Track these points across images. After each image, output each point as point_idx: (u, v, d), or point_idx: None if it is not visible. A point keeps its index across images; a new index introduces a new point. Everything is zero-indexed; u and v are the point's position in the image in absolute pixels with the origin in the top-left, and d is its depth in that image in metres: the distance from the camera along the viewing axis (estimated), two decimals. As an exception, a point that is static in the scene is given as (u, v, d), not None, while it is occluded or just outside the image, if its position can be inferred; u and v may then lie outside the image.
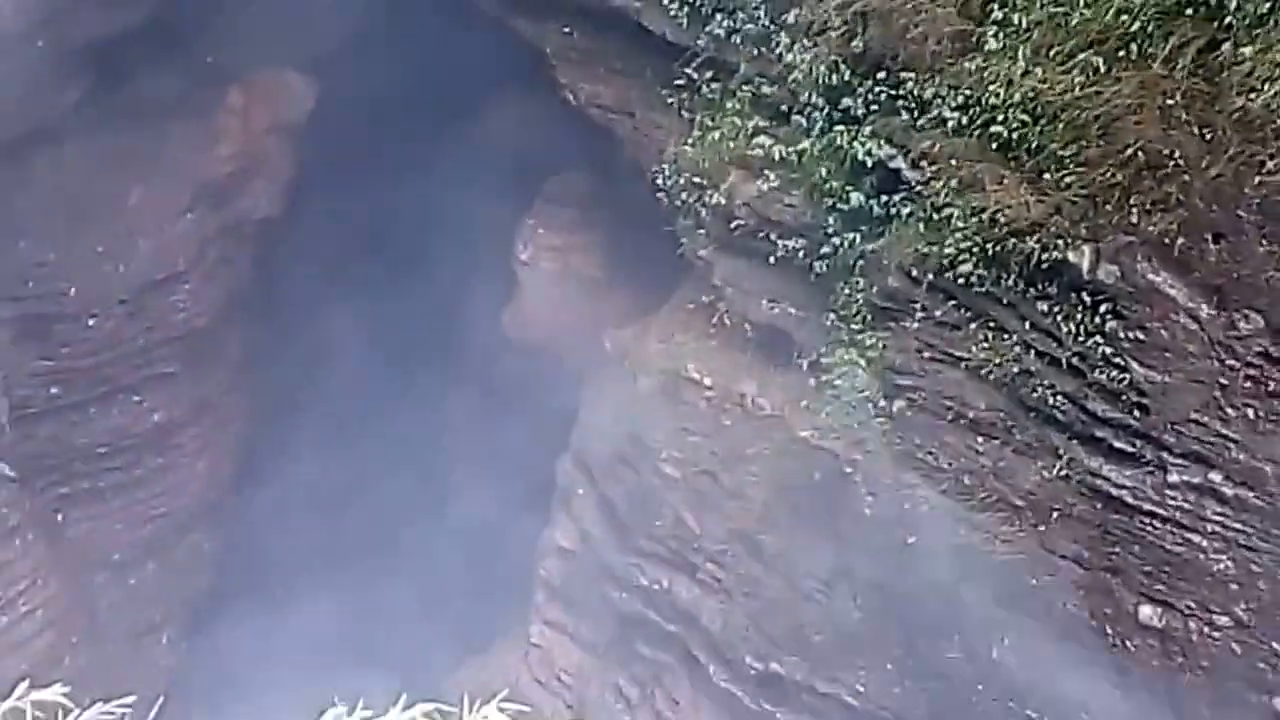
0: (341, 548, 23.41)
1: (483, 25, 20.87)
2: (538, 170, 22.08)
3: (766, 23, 17.86)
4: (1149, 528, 16.54)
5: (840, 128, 17.32)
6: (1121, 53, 15.61)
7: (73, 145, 20.72)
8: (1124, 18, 15.49)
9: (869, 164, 17.16)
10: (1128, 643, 16.89)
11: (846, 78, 17.30)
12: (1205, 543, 16.15)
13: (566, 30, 20.14)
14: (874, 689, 18.50)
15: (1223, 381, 15.72)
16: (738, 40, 18.11)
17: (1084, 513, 16.81)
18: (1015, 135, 16.24)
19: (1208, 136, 15.24)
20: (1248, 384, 15.60)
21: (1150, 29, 15.35)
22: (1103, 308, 16.10)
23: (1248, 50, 14.85)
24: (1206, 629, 16.35)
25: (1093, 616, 17.19)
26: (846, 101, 17.34)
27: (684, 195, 18.96)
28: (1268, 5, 14.74)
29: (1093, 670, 17.31)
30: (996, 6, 16.29)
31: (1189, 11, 15.19)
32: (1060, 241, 16.09)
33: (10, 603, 20.77)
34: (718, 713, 19.59)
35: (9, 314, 21.34)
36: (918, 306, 17.19)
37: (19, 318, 21.32)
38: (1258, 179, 14.99)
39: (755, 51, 18.07)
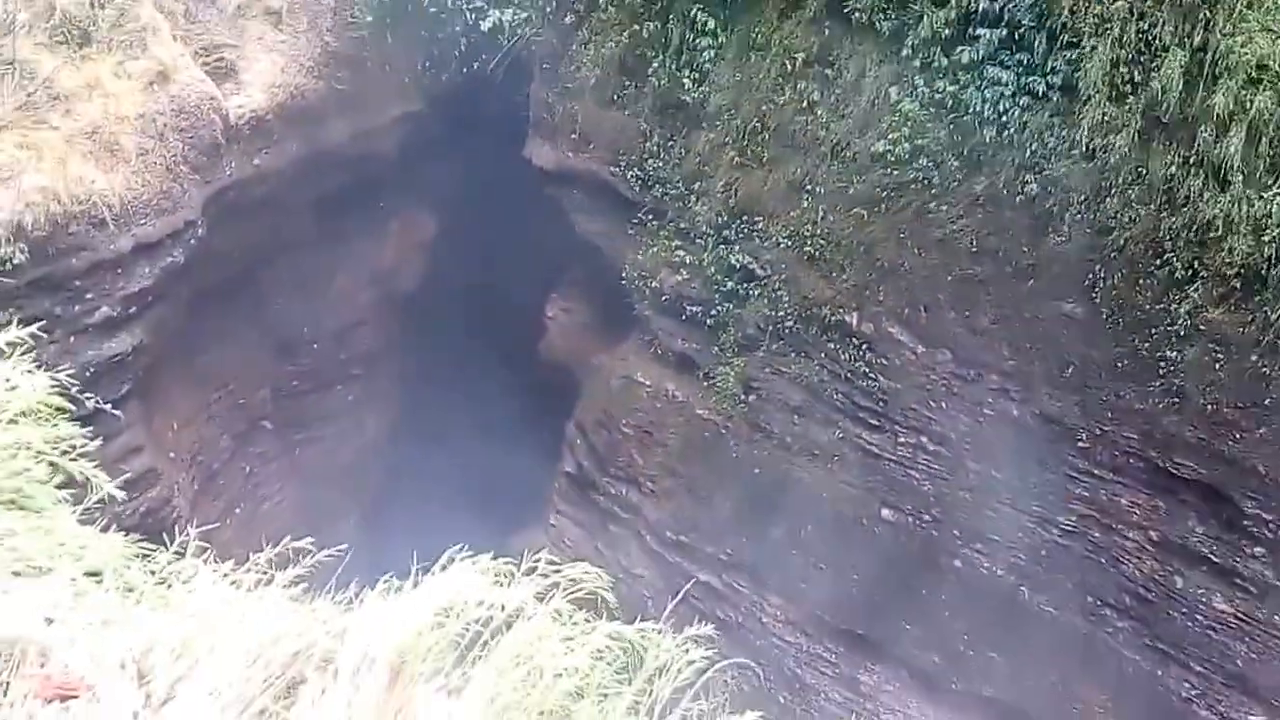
0: (443, 475, 23.39)
1: (531, 185, 21.21)
2: (559, 267, 22.71)
3: (683, 190, 18.54)
4: (887, 467, 17.52)
5: (722, 246, 18.25)
6: (877, 208, 16.48)
7: (307, 250, 21.57)
8: (876, 190, 16.36)
9: (737, 266, 18.17)
10: (875, 529, 17.72)
11: (726, 220, 18.13)
12: (917, 474, 17.27)
13: (575, 192, 20.42)
14: (735, 549, 19.18)
15: (928, 388, 16.83)
16: (667, 199, 18.85)
17: (853, 459, 17.82)
18: (817, 252, 17.26)
19: (919, 252, 16.31)
20: (941, 389, 16.70)
21: (890, 195, 16.31)
22: (863, 346, 17.27)
23: (942, 206, 15.88)
24: (912, 520, 17.38)
25: (854, 518, 17.94)
26: (726, 233, 18.19)
27: (638, 282, 19.60)
28: (959, 178, 15.58)
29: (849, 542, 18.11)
30: (809, 181, 17.05)
31: (911, 185, 16.04)
32: (841, 310, 17.21)
33: (267, 497, 21.40)
34: (651, 565, 20.05)
35: (271, 341, 21.75)
36: (763, 344, 18.21)
37: (276, 343, 21.83)
38: (949, 277, 16.08)
39: (677, 205, 18.79)
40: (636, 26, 18.37)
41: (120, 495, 7.72)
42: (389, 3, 20.74)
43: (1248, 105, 12.72)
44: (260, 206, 19.42)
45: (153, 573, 5.79)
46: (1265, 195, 12.80)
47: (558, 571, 5.81)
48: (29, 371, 8.37)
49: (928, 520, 17.44)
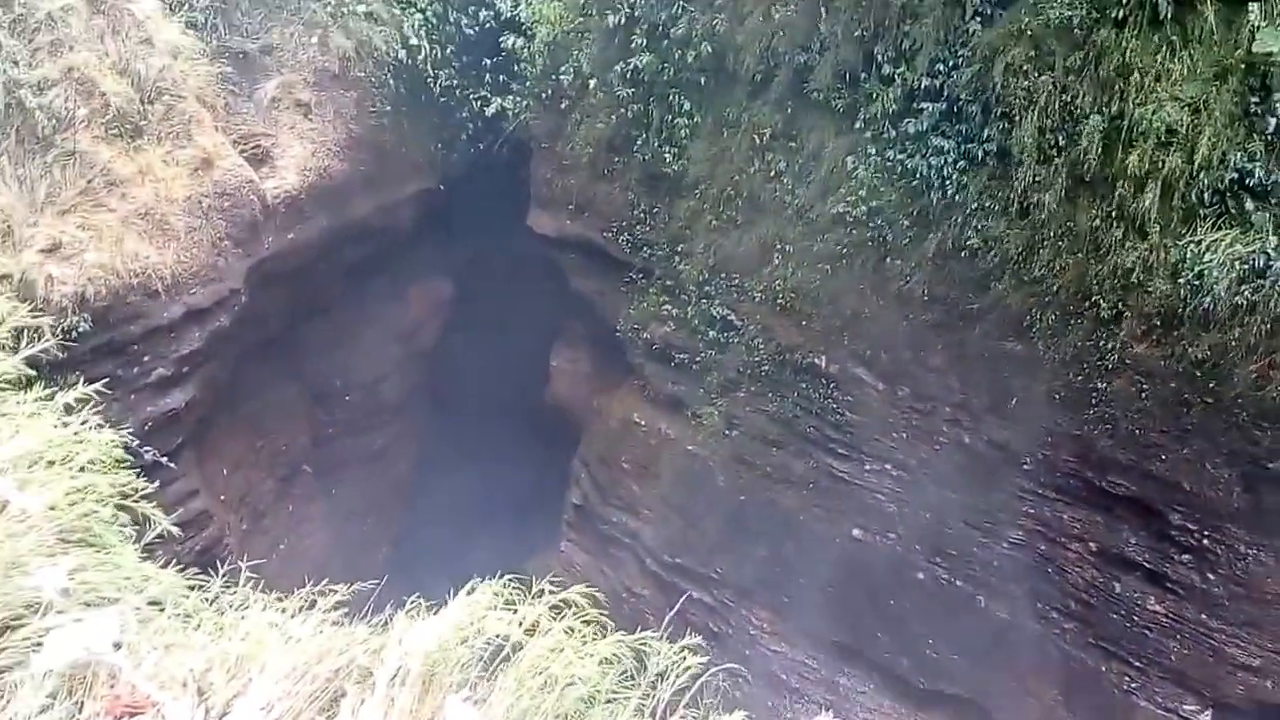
0: (464, 507, 23.66)
1: (534, 250, 21.42)
2: (561, 321, 22.74)
3: (668, 251, 18.64)
4: (856, 492, 17.48)
5: (704, 301, 18.30)
6: (839, 264, 16.51)
7: (338, 312, 21.47)
8: (838, 247, 16.35)
9: (718, 317, 18.17)
10: (847, 548, 17.64)
11: (707, 277, 18.16)
12: (883, 497, 17.23)
13: (573, 255, 20.66)
14: (724, 568, 19.28)
15: (890, 420, 16.82)
16: (654, 260, 18.97)
17: (826, 485, 17.77)
18: (788, 303, 17.26)
19: (880, 303, 16.30)
20: (901, 422, 16.70)
21: (851, 252, 16.33)
22: (831, 385, 17.26)
23: (897, 261, 15.89)
24: (879, 538, 17.37)
25: (828, 537, 17.88)
26: (707, 288, 18.23)
27: (630, 333, 19.74)
28: (911, 236, 15.60)
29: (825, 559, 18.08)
30: (778, 241, 17.10)
31: (869, 243, 16.05)
32: (810, 353, 17.23)
33: (308, 533, 20.89)
34: (649, 584, 20.04)
35: (308, 393, 21.66)
36: (743, 385, 18.22)
37: (313, 395, 21.77)
38: (904, 323, 16.10)
39: (663, 265, 18.89)
40: (622, 110, 18.41)
41: (177, 532, 7.77)
42: (404, 94, 20.78)
43: (1160, 165, 12.84)
44: (295, 274, 19.35)
45: (209, 602, 6.01)
46: (1179, 243, 12.87)
47: (566, 592, 5.94)
48: (95, 426, 8.47)
49: (893, 538, 17.41)
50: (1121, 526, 15.09)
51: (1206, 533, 14.14)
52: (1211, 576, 14.30)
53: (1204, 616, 14.55)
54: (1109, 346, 14.07)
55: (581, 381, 21.89)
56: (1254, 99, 12.32)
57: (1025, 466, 15.64)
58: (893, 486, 17.22)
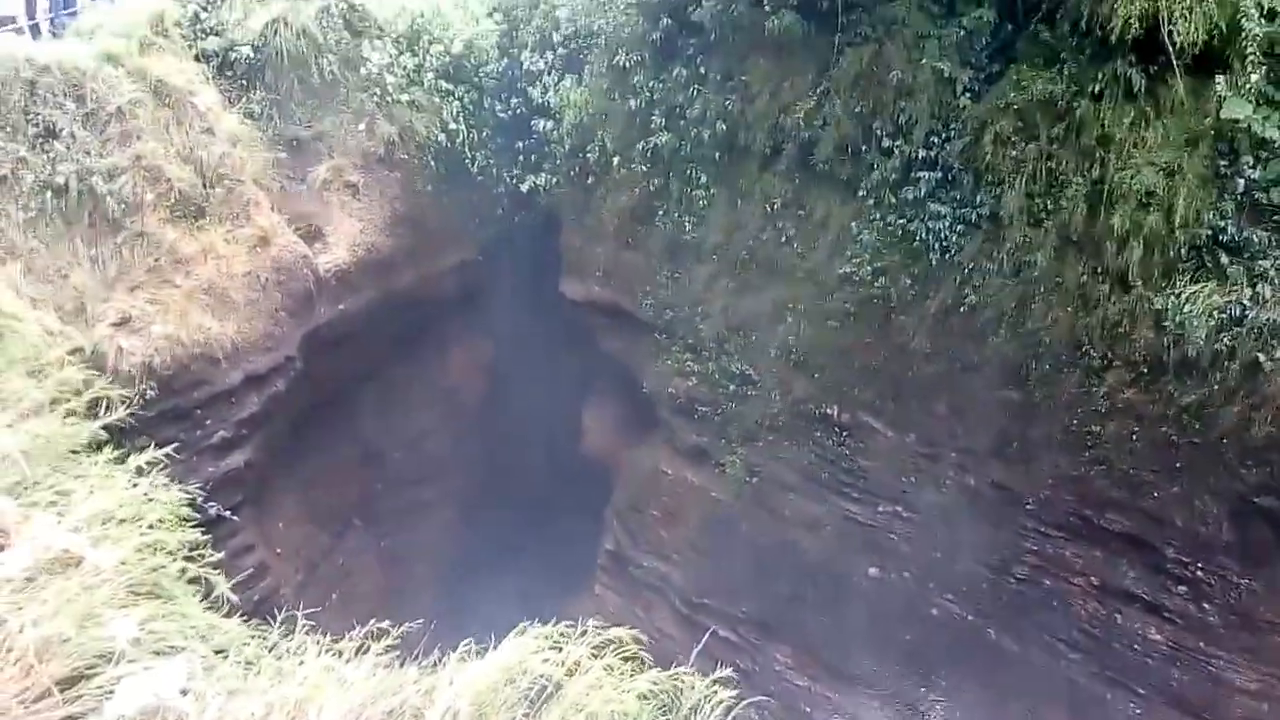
0: (506, 555, 23.42)
1: (566, 314, 21.44)
2: (592, 379, 22.75)
3: (689, 312, 18.67)
4: (870, 533, 17.51)
5: (724, 358, 18.38)
6: (848, 321, 16.64)
7: (386, 374, 21.60)
8: (846, 306, 16.55)
9: (737, 373, 18.27)
10: (864, 586, 17.65)
11: (726, 335, 18.27)
12: (895, 538, 17.30)
13: (601, 318, 20.63)
14: (749, 608, 19.22)
15: (900, 465, 16.86)
16: (676, 320, 19.01)
17: (842, 528, 17.81)
18: (802, 359, 17.38)
19: (886, 356, 16.42)
20: (910, 466, 16.73)
21: (858, 310, 16.48)
22: (844, 434, 17.37)
23: (901, 317, 16.06)
24: (894, 576, 17.39)
25: (846, 577, 17.91)
26: (726, 346, 18.31)
27: (656, 389, 19.73)
28: (913, 294, 15.73)
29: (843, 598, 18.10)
30: (791, 301, 17.14)
31: (874, 301, 16.16)
32: (824, 405, 17.34)
33: (360, 583, 20.72)
34: (679, 625, 19.84)
35: (359, 451, 21.53)
36: (762, 436, 18.27)
37: (363, 452, 21.60)
38: (909, 374, 16.19)
39: (685, 325, 18.92)
40: (644, 184, 18.71)
41: (234, 599, 7.94)
42: (444, 173, 21.07)
43: (1141, 224, 13.04)
44: (346, 341, 19.54)
45: (269, 649, 6.15)
46: (1161, 296, 13.08)
47: (603, 633, 6.07)
48: (163, 486, 8.70)
49: (907, 576, 17.41)
50: (1120, 561, 15.09)
51: (1199, 565, 14.15)
52: (1207, 606, 14.30)
53: (1202, 644, 14.51)
54: (1100, 393, 14.16)
55: (612, 435, 21.90)
56: (1223, 162, 12.64)
57: (1028, 506, 15.68)
58: (904, 527, 17.26)
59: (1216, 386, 12.94)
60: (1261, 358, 12.42)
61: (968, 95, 14.71)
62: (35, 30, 16.93)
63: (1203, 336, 12.62)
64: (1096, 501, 14.90)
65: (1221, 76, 12.38)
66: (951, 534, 16.60)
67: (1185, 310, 12.73)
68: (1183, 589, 14.46)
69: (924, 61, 14.82)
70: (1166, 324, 13.05)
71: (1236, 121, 12.22)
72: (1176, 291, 12.90)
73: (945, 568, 16.87)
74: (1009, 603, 16.37)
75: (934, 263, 15.40)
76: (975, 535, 16.36)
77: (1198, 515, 13.85)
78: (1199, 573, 14.18)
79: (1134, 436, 14.08)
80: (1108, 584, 15.31)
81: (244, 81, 18.58)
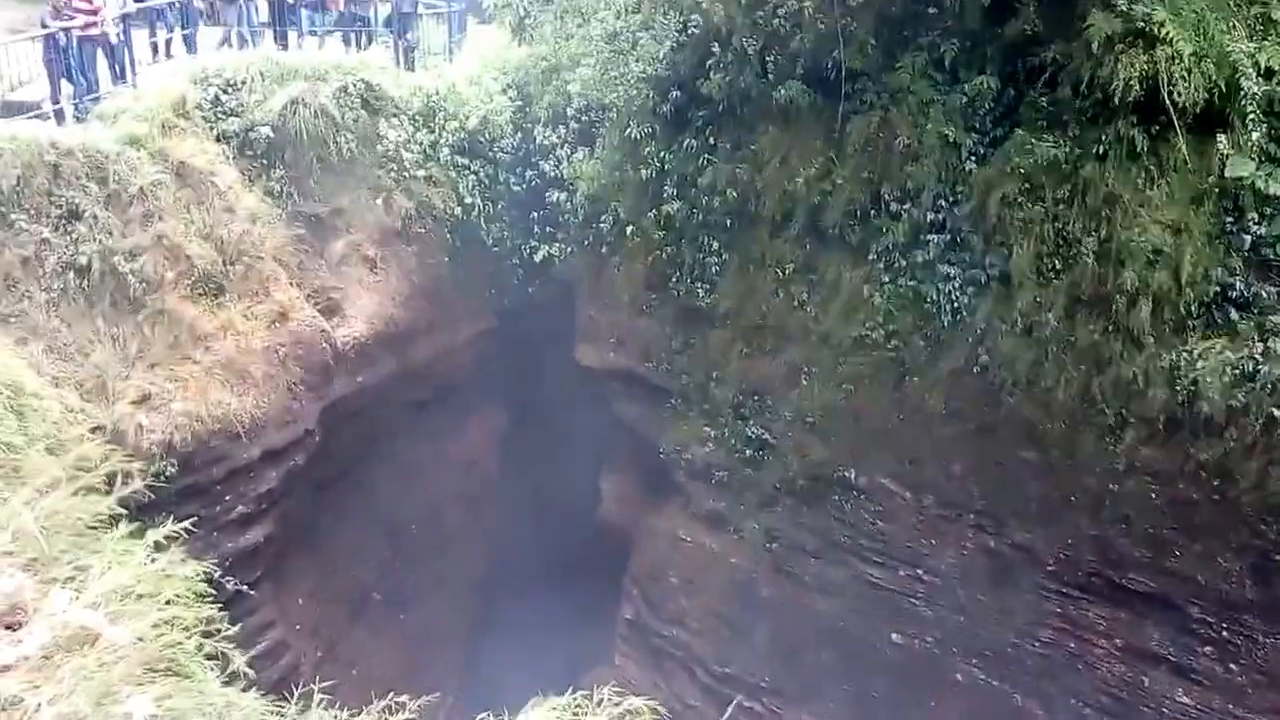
0: (524, 624, 23.08)
1: (582, 381, 21.54)
2: (608, 446, 22.37)
3: (704, 378, 18.72)
4: (892, 598, 17.29)
5: (740, 422, 18.36)
6: (862, 383, 16.64)
7: (403, 446, 21.57)
8: (860, 369, 16.52)
9: (753, 437, 18.22)
10: (887, 652, 17.41)
11: (741, 400, 18.29)
12: (917, 602, 17.05)
13: (617, 385, 20.70)
14: (771, 677, 18.93)
15: (918, 528, 16.79)
16: (691, 386, 19.05)
17: (863, 592, 17.59)
18: (817, 422, 17.33)
19: (902, 418, 16.35)
20: (929, 528, 16.68)
21: (872, 373, 16.47)
22: (862, 497, 17.21)
23: (915, 379, 15.97)
24: (917, 642, 17.13)
25: (868, 643, 17.68)
26: (742, 410, 18.31)
27: (673, 455, 19.61)
28: (926, 356, 15.72)
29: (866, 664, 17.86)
30: (805, 365, 17.24)
31: (888, 363, 16.23)
32: (840, 468, 17.21)
33: (379, 658, 20.54)
34: (701, 695, 19.65)
35: (377, 524, 21.50)
36: (780, 500, 18.18)
37: (382, 525, 21.60)
38: (925, 436, 16.11)
39: (700, 391, 18.92)
40: (657, 251, 18.87)
41: (252, 675, 7.97)
42: (460, 246, 21.38)
43: (1150, 282, 13.10)
44: (364, 413, 19.72)
45: None
46: (1173, 352, 13.10)
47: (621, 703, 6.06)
48: (181, 561, 8.77)
49: (930, 641, 17.18)
50: (1145, 622, 14.87)
51: (1225, 624, 13.95)
52: (1234, 667, 14.05)
53: (1230, 706, 14.18)
54: (1117, 451, 14.07)
55: (630, 502, 21.77)
56: (1229, 219, 12.74)
57: (1049, 567, 15.52)
58: (926, 591, 17.08)
59: (1234, 443, 12.87)
60: (1277, 413, 12.36)
61: (973, 159, 14.88)
62: (60, 115, 17.29)
63: (1217, 393, 12.61)
64: (1118, 561, 14.74)
65: (1223, 135, 12.59)
66: (973, 597, 16.42)
67: (1198, 367, 12.75)
68: (1209, 649, 14.23)
69: (929, 127, 15.03)
70: (1180, 381, 13.05)
71: (1240, 179, 12.39)
72: (1189, 349, 12.94)
73: (968, 632, 16.59)
74: (1034, 667, 16.09)
75: (946, 324, 15.43)
76: (998, 598, 16.12)
77: (1221, 573, 13.68)
78: (1224, 632, 13.97)
79: (1153, 495, 13.97)
80: (1133, 646, 15.06)
81: (264, 160, 18.96)
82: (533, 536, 24.47)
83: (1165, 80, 12.59)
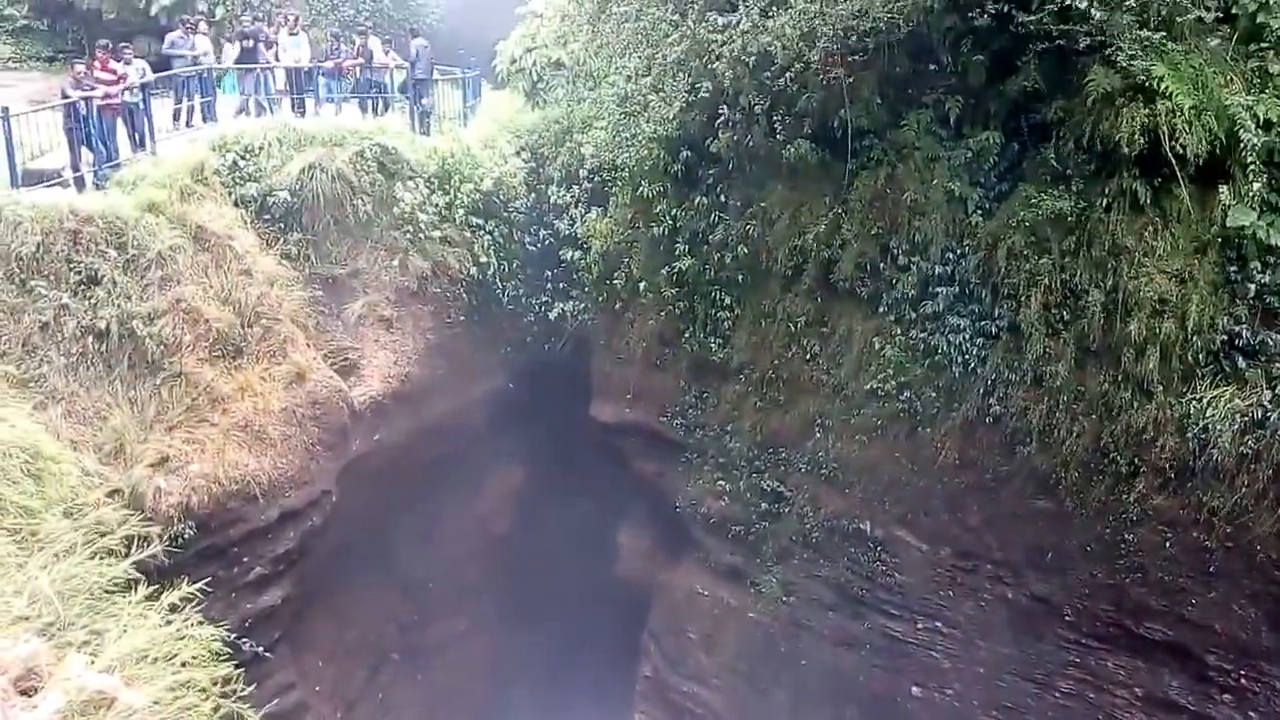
0: (543, 681, 23.45)
1: (597, 437, 21.69)
2: (624, 501, 22.42)
3: (718, 431, 18.88)
4: (911, 650, 17.25)
5: (755, 475, 18.47)
6: (875, 435, 16.71)
7: (420, 504, 21.34)
8: (873, 420, 16.62)
9: (769, 490, 18.31)
10: (908, 706, 17.28)
11: (756, 453, 18.38)
12: (936, 654, 17.00)
13: (632, 439, 20.76)
14: None
15: (935, 580, 16.66)
16: (706, 440, 19.17)
17: (882, 645, 17.55)
18: (831, 474, 17.43)
19: (915, 469, 16.43)
20: (946, 580, 16.54)
21: (885, 424, 16.57)
22: (878, 548, 17.26)
23: (927, 430, 16.10)
24: (938, 695, 16.98)
25: (889, 697, 17.57)
26: (757, 463, 18.40)
27: (689, 509, 19.66)
28: (939, 407, 15.79)
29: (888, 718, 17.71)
30: (818, 418, 17.39)
31: (901, 415, 16.32)
32: (856, 519, 17.25)
33: (398, 716, 20.80)
34: None
35: (395, 582, 21.55)
36: (796, 553, 18.23)
37: (399, 583, 21.69)
38: (939, 487, 16.16)
39: (715, 444, 19.08)
40: (670, 307, 19.11)
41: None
42: (476, 304, 21.59)
43: (1157, 332, 13.27)
44: (381, 472, 19.70)
45: None
46: (1182, 401, 13.19)
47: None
48: (197, 623, 8.86)
49: (950, 694, 17.07)
50: (1163, 670, 14.77)
51: (1242, 672, 13.84)
52: (1253, 715, 13.87)
53: (1252, 755, 14.14)
54: (1130, 500, 14.12)
55: (647, 557, 21.81)
56: (1233, 269, 12.90)
57: (1067, 617, 15.46)
58: (945, 643, 17.01)
59: (1245, 490, 12.91)
60: (1287, 460, 12.44)
61: (979, 213, 15.13)
62: (80, 182, 17.58)
63: (1228, 441, 12.67)
64: (1135, 610, 14.69)
65: (1224, 186, 12.79)
66: (992, 648, 16.35)
67: (1207, 415, 12.83)
68: (1227, 697, 14.08)
69: (935, 182, 15.31)
70: (1190, 430, 13.12)
71: (1242, 229, 12.55)
72: (1197, 397, 13.02)
73: (989, 683, 16.50)
74: (1055, 718, 15.93)
75: (957, 375, 15.54)
76: (1016, 649, 16.08)
77: (1237, 621, 13.63)
78: (1242, 679, 13.82)
79: (1167, 543, 13.98)
80: (1152, 695, 14.93)
81: (282, 224, 19.22)
82: (550, 594, 24.44)
83: (1166, 133, 12.85)
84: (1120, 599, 14.80)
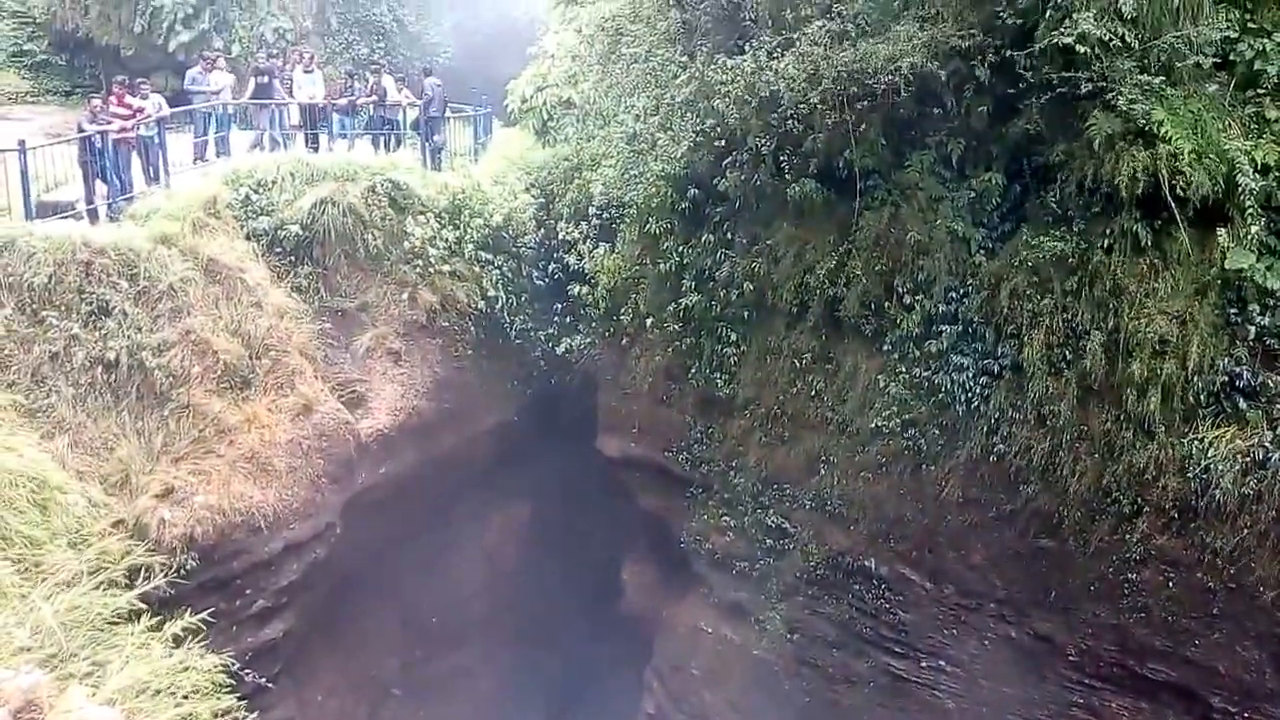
0: (543, 715, 23.94)
1: (603, 471, 21.64)
2: (629, 536, 22.58)
3: (724, 467, 18.79)
4: (915, 689, 17.16)
5: (759, 511, 18.32)
6: (880, 472, 16.62)
7: (426, 537, 21.52)
8: (878, 457, 16.56)
9: (773, 526, 18.17)
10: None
11: (761, 489, 18.25)
12: (940, 693, 16.87)
13: (638, 474, 20.71)
14: None
15: (939, 618, 16.57)
16: (711, 475, 19.06)
17: (885, 683, 17.46)
18: (836, 510, 17.29)
19: (920, 507, 16.36)
20: (950, 618, 16.52)
21: (889, 461, 16.46)
22: (882, 586, 17.14)
23: (931, 468, 15.99)
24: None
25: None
26: (761, 499, 18.28)
27: (694, 545, 19.57)
28: (943, 444, 15.72)
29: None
30: (823, 454, 17.31)
31: (905, 452, 16.23)
32: (860, 557, 17.16)
33: None
34: None
35: (399, 616, 21.62)
36: (800, 590, 18.07)
37: (403, 617, 21.75)
38: (943, 525, 16.11)
39: (720, 480, 18.86)
40: (677, 343, 19.09)
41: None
42: (484, 338, 21.74)
43: (1158, 372, 13.27)
44: (386, 505, 19.79)
45: None
46: (1183, 441, 13.20)
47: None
48: (199, 655, 8.92)
49: (948, 723, 17.10)
50: (1167, 712, 14.66)
51: (1246, 714, 13.70)
52: (1259, 757, 13.88)
53: (1257, 798, 14.04)
54: (1133, 540, 14.06)
55: (651, 592, 21.75)
56: (1232, 310, 12.93)
57: (1070, 657, 15.38)
58: (949, 682, 16.87)
59: (1247, 530, 12.88)
60: (1290, 500, 12.43)
61: (982, 253, 15.21)
62: (94, 215, 17.83)
63: (1229, 481, 12.68)
64: (1138, 651, 14.61)
65: (1223, 228, 12.87)
66: (996, 687, 16.21)
67: (1209, 455, 12.83)
68: (1232, 739, 14.11)
69: (939, 222, 15.37)
70: (1191, 470, 13.12)
71: (1240, 271, 12.63)
72: (1199, 437, 13.03)
73: (993, 724, 16.56)
74: (1060, 758, 15.95)
75: (960, 413, 15.52)
76: (1020, 689, 15.95)
77: (1241, 662, 13.55)
78: (1246, 722, 13.91)
79: (1170, 583, 13.93)
80: (1157, 737, 14.95)
81: (292, 257, 19.50)
82: (554, 628, 24.38)
83: (1166, 176, 12.94)
84: (1124, 639, 14.72)
